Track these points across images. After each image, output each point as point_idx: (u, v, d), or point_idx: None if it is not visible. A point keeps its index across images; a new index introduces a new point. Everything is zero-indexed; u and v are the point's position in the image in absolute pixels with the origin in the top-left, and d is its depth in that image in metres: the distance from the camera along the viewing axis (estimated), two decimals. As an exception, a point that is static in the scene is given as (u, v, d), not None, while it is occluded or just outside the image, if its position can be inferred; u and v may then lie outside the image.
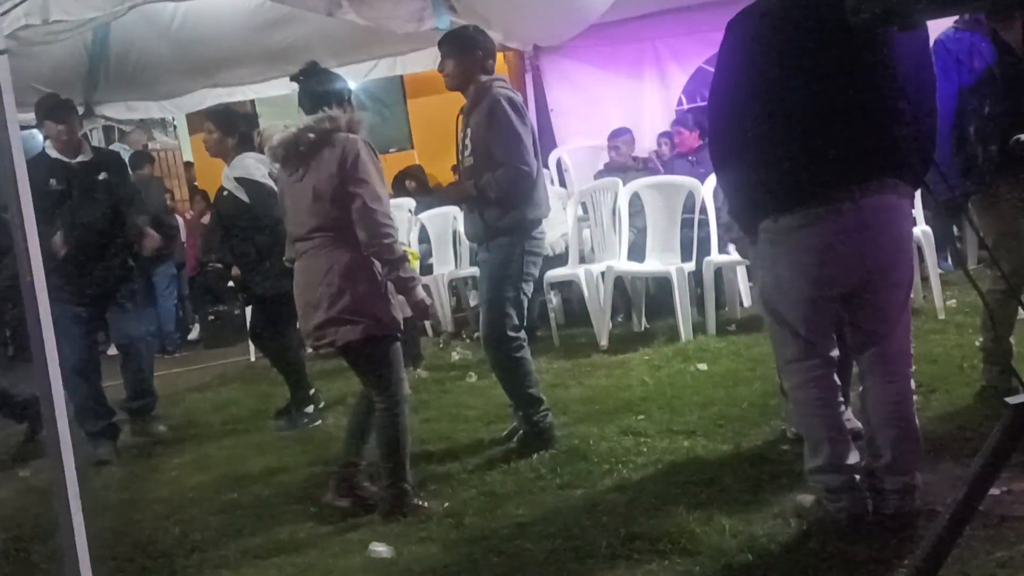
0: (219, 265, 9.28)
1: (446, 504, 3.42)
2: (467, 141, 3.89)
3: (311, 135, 3.30)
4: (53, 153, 4.69)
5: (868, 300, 2.67)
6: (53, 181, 4.57)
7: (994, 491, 2.69)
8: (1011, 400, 1.63)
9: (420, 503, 3.41)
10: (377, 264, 3.31)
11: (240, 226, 4.97)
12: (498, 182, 3.77)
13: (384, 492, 3.42)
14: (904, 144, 2.55)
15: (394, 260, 3.28)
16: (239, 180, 4.87)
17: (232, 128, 4.96)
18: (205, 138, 5.06)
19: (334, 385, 5.70)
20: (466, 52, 3.86)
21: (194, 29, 6.86)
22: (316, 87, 3.48)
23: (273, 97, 8.30)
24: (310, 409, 5.11)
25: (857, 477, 2.71)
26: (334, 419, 5.02)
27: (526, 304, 3.98)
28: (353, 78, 8.75)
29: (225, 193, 5.00)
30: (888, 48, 2.53)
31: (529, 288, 3.95)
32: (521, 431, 3.98)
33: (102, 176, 4.79)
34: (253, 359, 7.27)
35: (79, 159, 4.76)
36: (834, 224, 2.55)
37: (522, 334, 3.94)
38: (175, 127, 10.96)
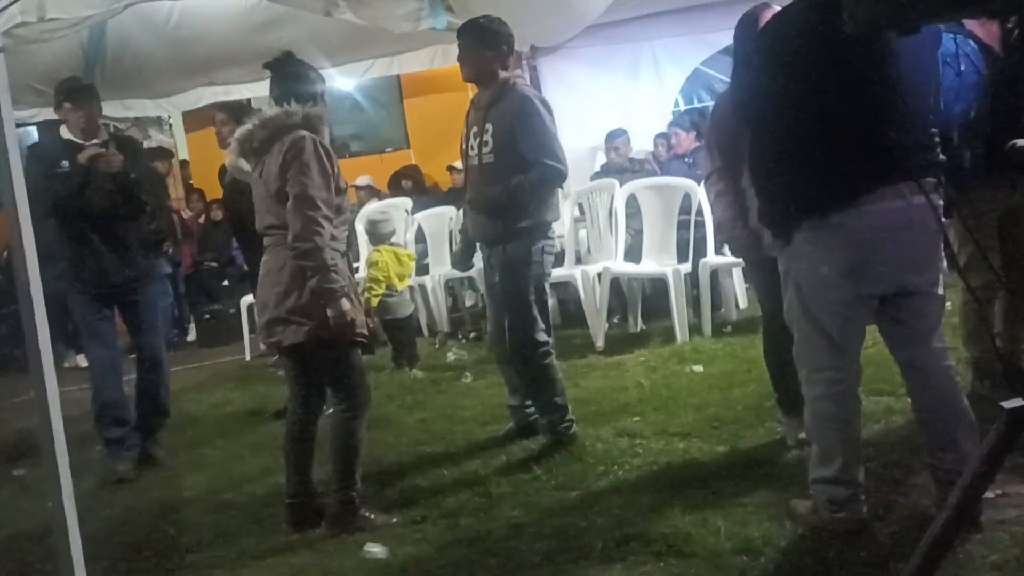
0: (214, 264, 9.31)
1: (394, 519, 3.36)
2: (487, 138, 3.76)
3: (264, 131, 3.24)
4: (67, 135, 4.43)
5: (913, 298, 2.66)
6: (66, 163, 4.32)
7: (989, 494, 2.70)
8: (1007, 404, 1.63)
9: (367, 514, 3.34)
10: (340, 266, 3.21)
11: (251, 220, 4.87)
12: (533, 182, 3.68)
13: (331, 502, 3.35)
14: (935, 145, 2.60)
15: (314, 267, 3.11)
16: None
17: (243, 120, 4.90)
18: (218, 129, 4.97)
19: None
20: (489, 44, 3.74)
21: (190, 28, 6.86)
22: (285, 79, 3.37)
23: (266, 97, 8.28)
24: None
25: (862, 494, 2.73)
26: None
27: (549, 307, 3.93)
28: (350, 78, 8.80)
29: (241, 185, 4.87)
30: (923, 50, 2.58)
31: (549, 289, 3.92)
32: (545, 439, 3.93)
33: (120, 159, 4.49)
34: (248, 358, 7.27)
35: (94, 142, 4.46)
36: (883, 220, 2.54)
37: (551, 339, 3.89)
38: (171, 125, 10.93)
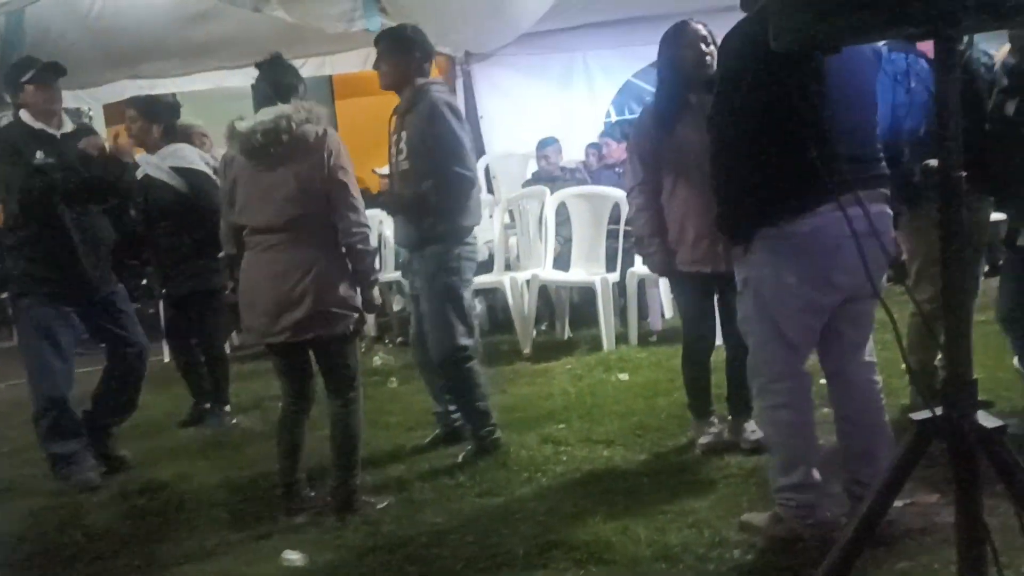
0: (135, 262, 9.03)
1: (387, 502, 3.44)
2: (402, 144, 3.80)
3: (293, 124, 3.20)
4: (36, 123, 4.02)
5: (858, 307, 2.71)
6: (40, 154, 3.95)
7: (898, 503, 2.78)
8: (915, 416, 1.69)
9: (368, 500, 3.42)
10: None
11: (173, 218, 4.75)
12: (439, 188, 3.69)
13: (335, 490, 3.39)
14: (881, 158, 2.71)
15: (370, 251, 3.32)
16: (178, 170, 4.69)
17: (156, 116, 4.76)
18: (127, 126, 4.82)
19: (250, 387, 5.59)
20: (403, 52, 3.77)
21: (114, 18, 6.66)
22: (283, 77, 3.37)
23: (195, 91, 8.11)
24: (228, 408, 5.01)
25: (824, 497, 2.78)
26: (249, 423, 4.92)
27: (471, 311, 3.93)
28: (280, 76, 8.65)
29: (157, 183, 4.70)
30: (867, 67, 2.70)
31: (469, 294, 3.91)
32: (470, 447, 3.91)
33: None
34: (167, 359, 7.05)
35: (63, 131, 4.10)
36: (844, 228, 2.56)
37: (472, 343, 3.88)
38: (91, 118, 10.59)
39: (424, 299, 3.87)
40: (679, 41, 3.44)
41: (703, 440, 3.63)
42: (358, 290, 3.34)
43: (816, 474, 2.76)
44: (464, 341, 3.82)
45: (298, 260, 3.24)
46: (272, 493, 3.58)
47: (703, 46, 3.41)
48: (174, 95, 9.41)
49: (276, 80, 3.34)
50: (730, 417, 3.68)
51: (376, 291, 3.48)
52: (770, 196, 2.59)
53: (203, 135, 5.48)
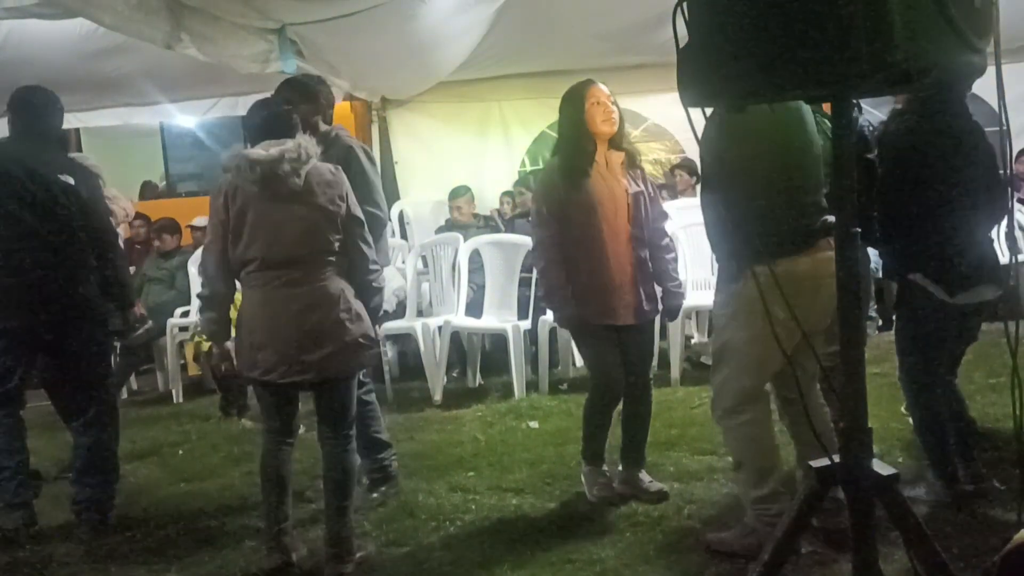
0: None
1: (370, 548, 3.31)
2: None
3: (313, 157, 3.15)
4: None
5: (814, 338, 2.88)
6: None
7: (804, 550, 2.85)
8: (814, 464, 1.73)
9: (362, 549, 3.28)
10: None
11: None
12: None
13: (334, 536, 3.18)
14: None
15: (381, 288, 3.32)
16: None
17: None
18: None
19: (148, 433, 5.38)
20: (309, 99, 3.82)
21: (17, 50, 6.43)
22: (291, 111, 3.33)
23: (101, 127, 7.89)
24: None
25: None
26: (147, 470, 4.72)
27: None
28: (191, 115, 8.51)
29: None
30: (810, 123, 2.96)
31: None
32: (365, 478, 3.87)
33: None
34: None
35: None
36: (823, 268, 2.72)
37: (368, 381, 3.89)
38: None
39: None
40: (587, 99, 3.55)
41: (597, 491, 3.66)
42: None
43: (781, 486, 2.98)
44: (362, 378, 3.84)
45: (325, 293, 3.13)
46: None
47: (609, 103, 3.55)
48: (78, 131, 9.18)
49: (277, 119, 3.25)
50: (621, 469, 3.76)
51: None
52: (765, 238, 2.77)
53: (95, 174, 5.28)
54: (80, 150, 8.97)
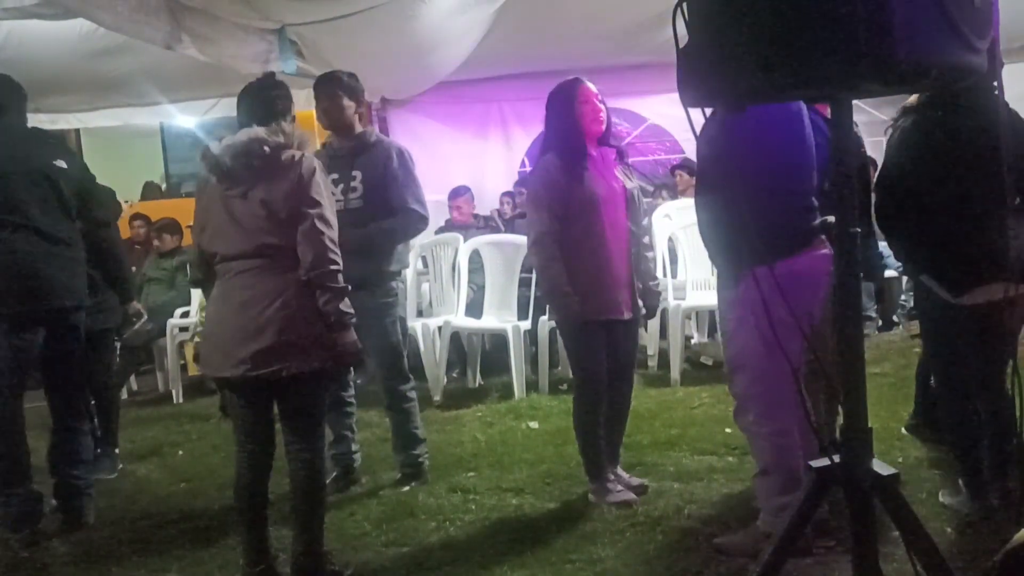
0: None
1: (349, 572, 3.16)
2: (354, 184, 3.94)
3: (266, 147, 2.99)
4: None
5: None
6: None
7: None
8: (814, 464, 1.73)
9: (334, 567, 3.11)
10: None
11: None
12: (399, 226, 3.97)
13: (301, 558, 3.01)
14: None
15: (337, 289, 2.97)
16: None
17: None
18: None
19: (147, 433, 5.38)
20: (351, 97, 3.99)
21: (16, 50, 6.43)
22: (264, 99, 3.17)
23: (100, 128, 7.88)
24: (118, 451, 4.79)
25: None
26: (146, 470, 4.72)
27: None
28: (191, 115, 8.50)
29: None
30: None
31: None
32: (400, 473, 4.10)
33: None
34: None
35: None
36: (827, 264, 2.79)
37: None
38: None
39: (375, 337, 3.93)
40: (577, 97, 3.59)
41: (613, 499, 3.57)
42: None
43: None
44: (407, 373, 4.20)
45: (266, 288, 2.96)
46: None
47: (596, 102, 3.60)
48: (78, 131, 9.18)
49: (254, 102, 3.16)
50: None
51: (352, 332, 3.04)
52: (769, 237, 2.73)
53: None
54: (80, 150, 9.00)
